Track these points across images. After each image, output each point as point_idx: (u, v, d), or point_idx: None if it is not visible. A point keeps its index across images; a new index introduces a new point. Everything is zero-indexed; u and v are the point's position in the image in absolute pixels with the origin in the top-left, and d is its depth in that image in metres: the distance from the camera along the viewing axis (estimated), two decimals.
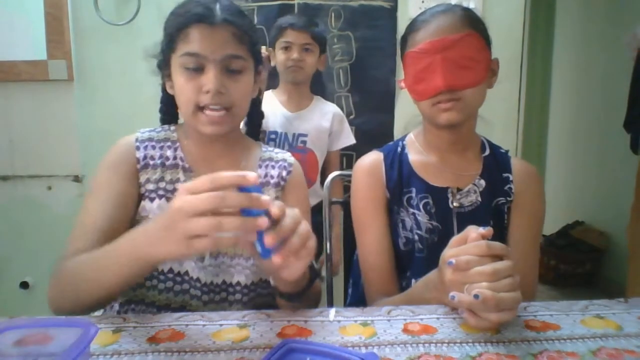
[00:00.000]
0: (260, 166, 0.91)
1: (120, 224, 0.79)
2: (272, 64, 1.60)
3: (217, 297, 0.84)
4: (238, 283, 0.84)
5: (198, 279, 0.82)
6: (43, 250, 2.09)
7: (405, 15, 2.01)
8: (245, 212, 0.55)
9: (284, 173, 0.90)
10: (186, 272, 0.82)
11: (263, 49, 1.53)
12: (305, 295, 0.73)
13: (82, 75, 2.04)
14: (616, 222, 2.59)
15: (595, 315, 0.67)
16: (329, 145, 1.68)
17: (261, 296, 0.87)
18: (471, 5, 1.99)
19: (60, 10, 1.95)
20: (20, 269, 2.10)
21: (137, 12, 1.96)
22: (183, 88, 0.80)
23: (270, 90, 1.65)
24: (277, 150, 0.96)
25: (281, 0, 1.99)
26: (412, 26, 0.86)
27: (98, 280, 0.66)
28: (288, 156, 0.94)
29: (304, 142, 1.60)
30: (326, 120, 1.65)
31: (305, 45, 1.54)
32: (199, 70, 0.79)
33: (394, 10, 2.03)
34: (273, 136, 1.58)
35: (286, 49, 1.54)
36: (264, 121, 1.56)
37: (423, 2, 2.00)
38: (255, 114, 1.02)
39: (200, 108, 0.80)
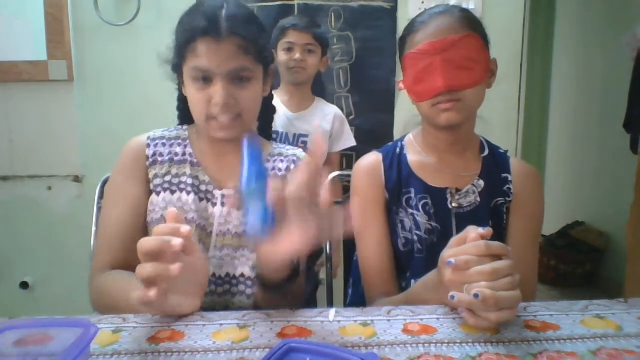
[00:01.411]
0: (269, 161, 0.92)
1: (135, 227, 0.83)
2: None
3: (220, 289, 0.85)
4: (242, 275, 0.85)
5: None
6: (43, 250, 2.10)
7: (405, 15, 2.01)
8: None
9: (292, 166, 0.91)
10: None
11: None
12: (285, 290, 0.72)
13: (82, 75, 2.04)
14: (616, 222, 2.59)
15: (595, 316, 0.67)
16: (330, 147, 1.68)
17: None
18: (471, 6, 2.00)
19: (60, 11, 1.95)
20: (20, 269, 2.10)
21: (137, 13, 1.96)
22: (194, 98, 0.82)
23: (273, 90, 1.65)
24: (289, 147, 0.96)
25: (281, 0, 1.99)
26: (411, 27, 0.86)
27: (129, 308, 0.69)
28: (299, 152, 0.95)
29: (305, 143, 1.60)
30: (327, 121, 1.65)
31: (307, 46, 1.54)
32: (207, 80, 0.80)
33: (394, 10, 2.03)
34: (274, 136, 1.58)
35: (288, 49, 1.54)
36: None
37: (423, 2, 2.01)
38: (267, 110, 1.02)
39: (211, 116, 0.82)
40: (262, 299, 0.78)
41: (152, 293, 0.56)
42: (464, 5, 1.90)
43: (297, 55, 1.53)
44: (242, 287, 0.85)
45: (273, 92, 1.62)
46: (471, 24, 0.83)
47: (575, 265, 2.81)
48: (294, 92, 1.62)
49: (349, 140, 1.71)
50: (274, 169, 0.91)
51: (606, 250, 2.80)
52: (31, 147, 2.06)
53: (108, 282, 0.77)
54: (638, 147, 2.06)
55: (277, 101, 1.60)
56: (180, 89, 0.92)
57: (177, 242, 0.57)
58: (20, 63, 1.98)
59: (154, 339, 0.60)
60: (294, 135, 1.59)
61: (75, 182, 2.09)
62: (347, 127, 1.72)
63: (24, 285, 2.09)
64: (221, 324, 0.65)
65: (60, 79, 1.99)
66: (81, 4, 1.98)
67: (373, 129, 2.06)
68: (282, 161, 0.92)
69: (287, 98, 1.62)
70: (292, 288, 0.73)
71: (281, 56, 1.55)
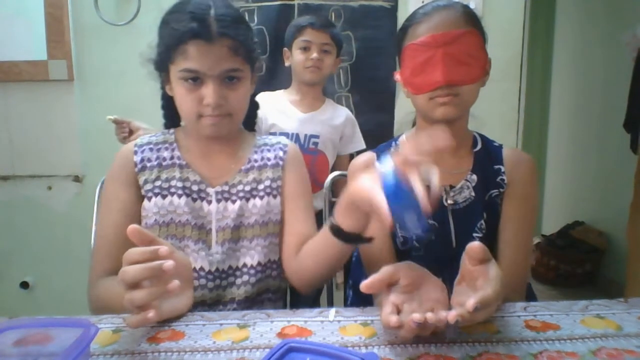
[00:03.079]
0: (255, 152, 0.93)
1: None
2: (287, 63, 1.58)
3: (225, 282, 0.86)
4: (244, 265, 0.86)
5: (202, 268, 0.84)
6: (43, 250, 2.10)
7: (405, 15, 1.98)
8: None
9: (281, 153, 0.93)
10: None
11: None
12: (360, 242, 0.72)
13: (82, 75, 2.03)
14: (616, 222, 2.59)
15: (595, 315, 0.67)
16: (340, 150, 1.66)
17: (269, 277, 0.89)
18: (471, 5, 1.99)
19: (60, 10, 1.95)
20: (20, 269, 2.10)
21: (137, 12, 1.96)
22: (183, 99, 0.83)
23: (282, 90, 1.64)
24: (271, 137, 0.98)
25: (281, 0, 1.99)
26: (413, 18, 0.86)
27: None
28: (282, 139, 0.96)
29: (316, 144, 1.57)
30: (338, 123, 1.62)
31: (324, 46, 1.52)
32: (197, 81, 0.81)
33: (394, 10, 2.03)
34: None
35: (305, 48, 1.51)
36: (274, 122, 1.54)
37: (423, 2, 2.01)
38: (251, 106, 1.01)
39: (201, 115, 0.83)
40: (329, 253, 0.76)
41: (151, 315, 0.57)
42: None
43: (315, 54, 1.49)
44: (245, 277, 0.86)
45: (283, 92, 1.62)
46: (473, 20, 0.83)
47: (575, 265, 2.81)
48: (307, 92, 1.59)
49: (359, 143, 1.69)
50: (262, 158, 0.92)
51: (606, 250, 2.80)
52: (31, 147, 2.06)
53: (106, 289, 0.77)
54: (638, 146, 2.06)
55: (287, 102, 1.59)
56: (163, 88, 0.91)
57: (169, 264, 0.58)
58: (20, 63, 1.97)
59: (154, 339, 0.61)
60: (305, 135, 1.56)
61: (75, 182, 2.08)
62: (358, 130, 1.70)
63: (24, 285, 2.09)
64: (221, 324, 0.65)
65: (60, 78, 1.99)
66: (81, 4, 1.98)
67: (373, 128, 2.05)
68: (268, 150, 0.93)
69: (299, 98, 1.60)
70: (364, 240, 0.72)
71: (297, 55, 1.52)
